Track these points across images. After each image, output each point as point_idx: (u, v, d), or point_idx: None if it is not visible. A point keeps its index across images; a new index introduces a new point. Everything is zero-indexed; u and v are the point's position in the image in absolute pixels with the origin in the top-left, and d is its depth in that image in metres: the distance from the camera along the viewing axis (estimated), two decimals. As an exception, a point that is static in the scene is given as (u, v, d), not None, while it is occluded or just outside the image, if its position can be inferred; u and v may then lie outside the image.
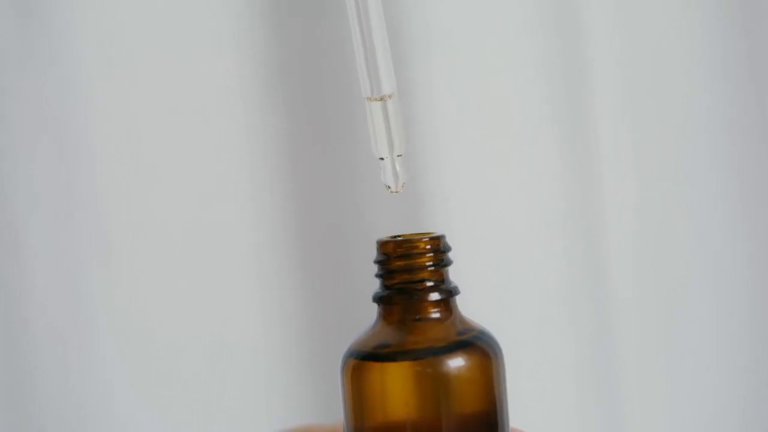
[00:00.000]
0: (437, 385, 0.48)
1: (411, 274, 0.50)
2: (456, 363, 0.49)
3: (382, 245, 0.51)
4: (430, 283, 0.50)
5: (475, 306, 0.85)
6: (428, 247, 0.50)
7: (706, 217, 0.95)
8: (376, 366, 0.49)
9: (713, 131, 0.94)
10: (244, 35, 0.86)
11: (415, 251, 0.50)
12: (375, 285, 0.52)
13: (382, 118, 0.52)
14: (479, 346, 0.50)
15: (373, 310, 0.52)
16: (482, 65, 0.88)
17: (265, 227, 0.88)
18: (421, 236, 0.51)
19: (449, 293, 0.51)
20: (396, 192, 0.54)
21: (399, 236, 0.51)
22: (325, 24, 0.87)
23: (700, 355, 0.95)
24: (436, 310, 0.50)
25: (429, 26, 0.87)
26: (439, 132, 0.88)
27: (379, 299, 0.51)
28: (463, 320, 0.51)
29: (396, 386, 0.49)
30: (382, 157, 0.53)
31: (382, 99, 0.53)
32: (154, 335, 0.86)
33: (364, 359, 0.50)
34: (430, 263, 0.50)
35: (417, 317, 0.50)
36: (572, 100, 0.90)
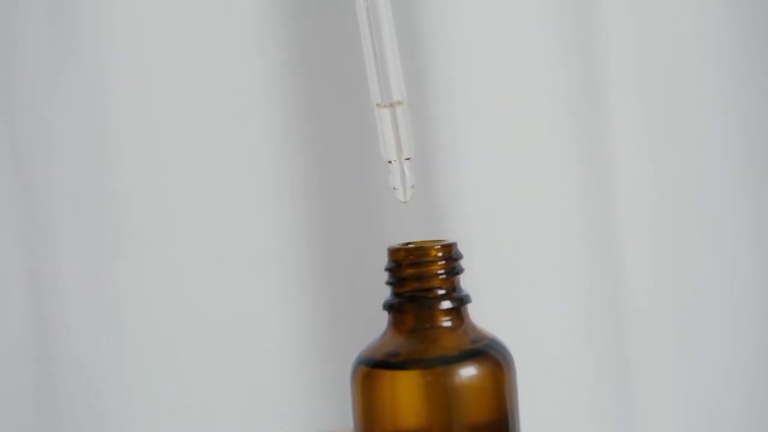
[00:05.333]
0: (448, 395, 0.48)
1: (422, 282, 0.49)
2: (468, 372, 0.48)
3: (393, 252, 0.50)
4: (441, 291, 0.50)
5: (490, 312, 0.85)
6: (440, 254, 0.50)
7: (723, 225, 0.94)
8: (387, 374, 0.49)
9: (731, 142, 0.94)
10: (267, 42, 0.87)
11: (427, 259, 0.49)
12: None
13: (390, 123, 0.52)
14: (491, 355, 0.49)
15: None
16: (501, 72, 0.88)
17: (286, 230, 0.88)
18: (432, 243, 0.50)
19: (461, 301, 0.50)
20: (405, 200, 0.53)
21: (410, 243, 0.51)
22: (347, 24, 0.87)
23: (715, 363, 0.95)
24: (447, 318, 0.50)
25: (449, 33, 0.87)
26: (457, 138, 0.88)
27: (389, 307, 0.50)
28: (474, 329, 0.50)
29: (406, 395, 0.48)
30: (391, 160, 0.52)
31: (391, 106, 0.52)
32: (173, 336, 0.86)
33: (374, 367, 0.49)
34: (442, 271, 0.50)
35: (428, 325, 0.49)
36: (591, 107, 0.90)
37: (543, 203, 0.90)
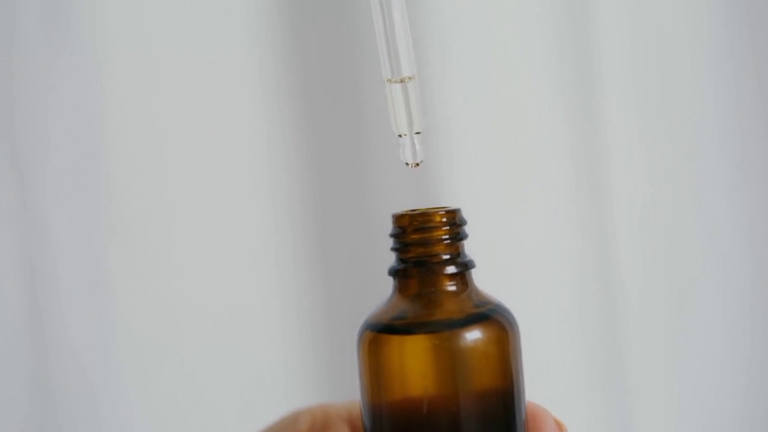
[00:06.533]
0: (454, 357, 0.48)
1: (427, 248, 0.50)
2: (473, 335, 0.49)
3: (398, 218, 0.51)
4: (446, 256, 0.50)
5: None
6: (444, 220, 0.50)
7: (716, 224, 0.95)
8: (393, 338, 0.49)
9: (727, 144, 0.94)
10: (261, 32, 0.88)
11: (431, 224, 0.50)
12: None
13: (402, 98, 0.53)
14: (495, 319, 0.50)
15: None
16: (495, 66, 0.89)
17: (282, 224, 0.89)
18: (436, 210, 0.51)
19: (465, 266, 0.51)
20: (416, 165, 0.54)
21: (415, 210, 0.51)
22: (340, 19, 0.88)
23: (708, 360, 0.95)
24: (452, 283, 0.50)
25: (443, 29, 0.88)
26: (453, 139, 0.88)
27: (394, 273, 0.51)
28: (478, 293, 0.51)
29: (413, 358, 0.49)
30: (401, 134, 0.53)
31: (402, 81, 0.53)
32: (170, 331, 0.86)
33: (380, 332, 0.50)
34: (446, 236, 0.50)
35: (433, 290, 0.50)
36: (585, 106, 0.91)
37: (537, 204, 0.91)
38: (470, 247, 0.88)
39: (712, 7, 0.93)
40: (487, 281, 0.88)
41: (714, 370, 0.95)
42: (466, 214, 0.89)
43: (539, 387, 0.87)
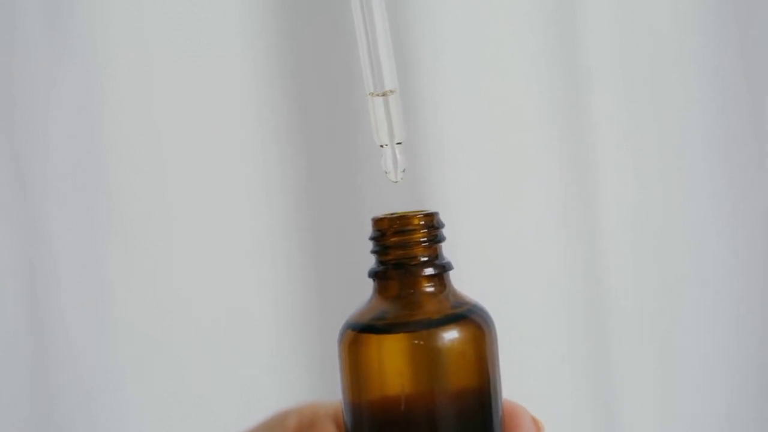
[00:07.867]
0: (432, 356, 0.50)
1: (406, 250, 0.51)
2: (450, 335, 0.50)
3: (377, 222, 0.52)
4: (424, 259, 0.52)
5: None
6: (422, 223, 0.52)
7: (703, 226, 0.95)
8: (373, 338, 0.51)
9: (715, 146, 0.95)
10: (257, 35, 0.88)
11: (410, 227, 0.51)
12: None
13: (383, 110, 0.54)
14: (472, 319, 0.51)
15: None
16: (485, 68, 0.90)
17: (277, 225, 0.89)
18: (415, 213, 0.52)
19: (443, 268, 0.52)
20: (396, 181, 0.55)
21: (394, 213, 0.53)
22: (334, 23, 0.89)
23: (694, 351, 0.96)
24: (430, 284, 0.52)
25: (435, 32, 0.88)
26: (445, 141, 0.89)
27: (374, 274, 0.52)
28: (456, 294, 0.52)
29: (392, 357, 0.50)
30: (383, 144, 0.54)
31: (384, 94, 0.54)
32: (167, 330, 0.87)
33: (360, 331, 0.51)
34: (424, 239, 0.51)
35: (411, 291, 0.51)
36: (572, 102, 0.92)
37: (527, 202, 0.92)
38: (463, 245, 0.88)
39: (699, 5, 0.93)
40: (479, 277, 0.90)
41: (701, 367, 0.96)
42: (456, 212, 0.90)
43: (527, 383, 0.88)
